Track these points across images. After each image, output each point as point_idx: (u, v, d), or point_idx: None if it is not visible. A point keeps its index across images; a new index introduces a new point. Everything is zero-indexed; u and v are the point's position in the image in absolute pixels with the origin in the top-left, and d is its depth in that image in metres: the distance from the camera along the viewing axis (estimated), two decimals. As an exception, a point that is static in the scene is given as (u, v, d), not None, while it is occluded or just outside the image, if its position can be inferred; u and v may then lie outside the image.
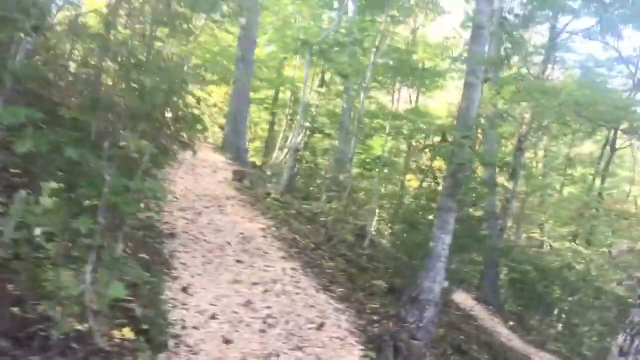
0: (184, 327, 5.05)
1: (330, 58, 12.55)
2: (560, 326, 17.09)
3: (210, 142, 24.01)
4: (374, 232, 12.85)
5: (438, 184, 8.58)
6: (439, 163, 9.57)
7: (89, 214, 3.27)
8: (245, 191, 11.97)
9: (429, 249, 6.33)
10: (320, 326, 5.63)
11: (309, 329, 5.57)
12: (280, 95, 26.15)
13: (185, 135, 5.01)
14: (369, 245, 11.92)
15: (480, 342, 9.98)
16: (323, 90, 23.36)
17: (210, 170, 14.29)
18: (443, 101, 23.89)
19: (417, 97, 22.43)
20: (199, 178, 12.84)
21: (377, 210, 13.23)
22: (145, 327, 4.29)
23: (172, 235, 7.87)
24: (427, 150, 7.17)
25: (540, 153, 23.68)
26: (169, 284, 5.92)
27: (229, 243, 8.15)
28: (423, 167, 9.07)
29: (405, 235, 9.63)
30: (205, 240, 8.08)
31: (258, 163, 22.12)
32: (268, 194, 12.26)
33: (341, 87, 23.65)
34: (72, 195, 3.40)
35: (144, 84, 3.90)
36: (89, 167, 3.34)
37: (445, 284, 6.34)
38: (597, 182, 20.94)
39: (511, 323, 14.61)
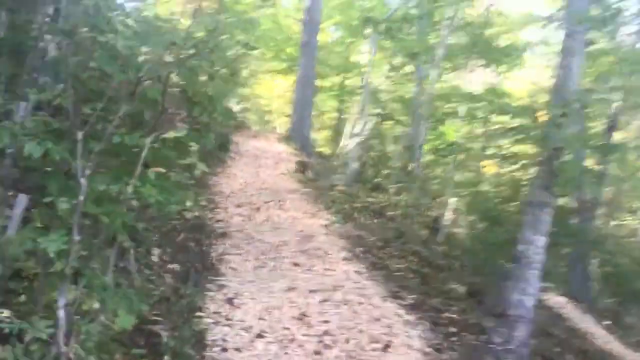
0: (224, 350, 4.26)
1: (398, 36, 11.44)
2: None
3: (277, 132, 23.50)
4: (449, 224, 11.70)
5: (525, 172, 7.39)
6: (523, 147, 8.34)
7: (62, 229, 2.50)
8: (309, 184, 11.15)
9: (516, 252, 5.20)
10: (387, 347, 4.69)
11: (373, 350, 4.65)
12: (348, 81, 25.16)
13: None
14: (444, 239, 10.83)
15: (575, 348, 8.71)
16: (392, 74, 22.24)
17: (273, 161, 13.59)
18: (524, 81, 22.10)
19: (496, 77, 20.81)
20: (260, 170, 12.16)
21: (452, 200, 12.05)
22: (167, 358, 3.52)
23: (224, 235, 7.16)
24: (511, 133, 6.03)
25: (633, 134, 21.45)
26: (212, 294, 5.17)
27: (286, 243, 7.34)
28: (505, 152, 7.90)
29: (484, 232, 8.48)
30: (260, 239, 7.32)
31: (326, 153, 21.31)
32: (333, 186, 11.38)
33: (412, 71, 22.49)
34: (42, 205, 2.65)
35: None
36: (56, 168, 2.57)
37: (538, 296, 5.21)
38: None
39: (606, 322, 13.05)
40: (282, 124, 26.66)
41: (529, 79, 22.49)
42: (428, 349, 4.91)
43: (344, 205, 9.82)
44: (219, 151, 12.66)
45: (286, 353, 4.40)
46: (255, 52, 26.45)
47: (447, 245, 10.40)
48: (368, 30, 11.08)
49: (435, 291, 7.24)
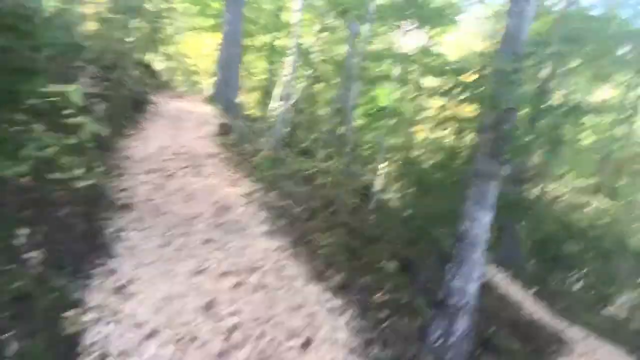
0: (103, 356, 3.39)
1: None
2: (580, 285, 15.54)
3: (204, 94, 22.15)
4: (380, 192, 11.08)
5: (459, 137, 6.75)
6: (458, 110, 7.71)
7: None
8: (232, 148, 10.17)
9: (459, 230, 4.51)
10: (307, 344, 3.95)
11: (290, 348, 3.90)
12: (279, 42, 23.97)
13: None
14: (374, 207, 10.21)
15: (505, 321, 8.37)
16: (323, 34, 21.30)
17: (194, 124, 12.47)
18: (458, 46, 21.71)
19: (429, 41, 20.25)
20: (179, 133, 11.05)
21: (382, 166, 11.41)
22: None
23: (126, 208, 6.16)
24: (454, 92, 5.30)
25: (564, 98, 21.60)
26: (98, 282, 4.23)
27: (199, 215, 6.43)
28: (439, 116, 7.26)
29: (418, 201, 7.86)
30: (169, 212, 6.36)
31: (254, 116, 20.24)
32: (258, 150, 10.46)
33: (345, 33, 21.60)
34: None
35: None
36: None
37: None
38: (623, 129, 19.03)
39: (534, 288, 12.99)
40: (209, 85, 25.24)
41: (463, 45, 22.21)
42: (355, 343, 4.20)
43: (269, 172, 8.95)
44: (132, 111, 11.44)
45: (182, 357, 3.57)
46: (178, 6, 24.83)
47: (378, 214, 9.77)
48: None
49: (365, 268, 6.58)
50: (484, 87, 4.66)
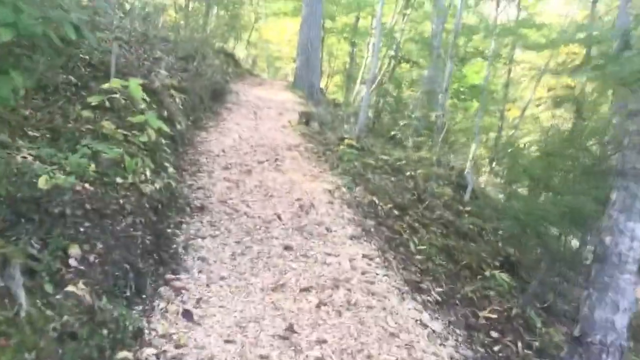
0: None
1: None
2: None
3: (287, 80, 21.71)
4: (475, 180, 10.07)
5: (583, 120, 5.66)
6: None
7: None
8: (314, 137, 9.54)
9: (601, 246, 3.53)
10: (407, 389, 3.22)
11: (387, 395, 3.19)
12: (361, 22, 23.03)
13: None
14: (470, 199, 9.24)
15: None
16: (408, 12, 20.20)
17: (275, 112, 11.95)
18: (553, 15, 19.86)
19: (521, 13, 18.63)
20: (259, 123, 10.55)
21: (475, 151, 10.36)
22: None
23: (202, 210, 5.65)
24: (586, 68, 4.32)
25: None
26: (164, 304, 3.69)
27: (279, 217, 5.82)
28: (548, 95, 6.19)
29: (526, 194, 6.83)
30: (247, 213, 5.80)
31: (338, 101, 19.54)
32: (342, 139, 9.75)
33: (429, 8, 20.33)
34: None
35: None
36: None
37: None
38: None
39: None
40: (292, 71, 24.87)
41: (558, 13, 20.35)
42: (467, 385, 3.41)
43: (354, 163, 8.23)
44: (212, 102, 11.05)
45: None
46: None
47: (474, 206, 8.81)
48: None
49: (465, 273, 5.73)
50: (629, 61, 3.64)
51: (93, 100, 5.23)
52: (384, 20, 21.52)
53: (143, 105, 6.14)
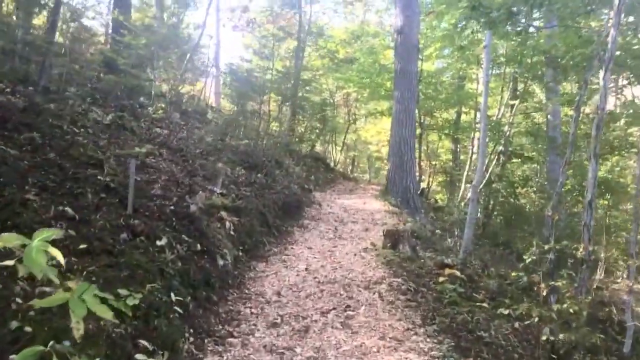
0: None
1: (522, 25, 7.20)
2: None
3: (381, 184, 19.73)
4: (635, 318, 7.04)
5: None
6: None
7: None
8: (403, 266, 7.14)
9: None
10: None
11: None
12: (464, 117, 20.85)
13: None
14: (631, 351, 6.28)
15: None
16: (516, 102, 17.82)
17: (360, 228, 9.76)
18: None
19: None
20: (337, 246, 8.38)
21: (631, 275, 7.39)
22: None
23: None
24: None
25: None
26: None
27: None
28: None
29: None
30: None
31: (441, 204, 17.06)
32: (442, 266, 7.29)
33: (542, 96, 17.82)
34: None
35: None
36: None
37: None
38: None
39: None
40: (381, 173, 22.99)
41: None
42: None
43: (460, 312, 5.69)
44: (282, 219, 9.10)
45: None
46: (351, 91, 23.17)
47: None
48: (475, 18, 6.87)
49: None
50: None
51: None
52: (490, 112, 19.22)
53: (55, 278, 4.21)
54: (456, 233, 10.21)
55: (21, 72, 8.49)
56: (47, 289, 3.49)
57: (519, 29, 7.62)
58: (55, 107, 7.64)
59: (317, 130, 20.01)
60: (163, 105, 12.23)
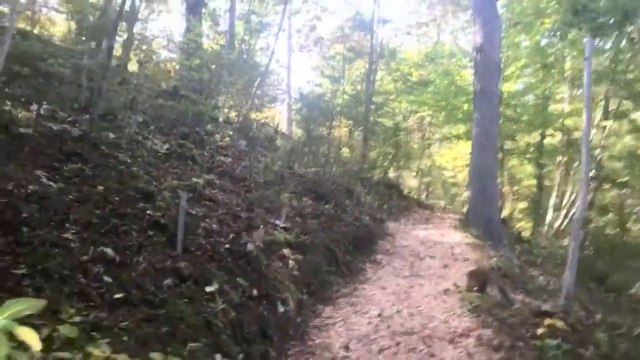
0: None
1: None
2: None
3: (460, 213, 18.48)
4: None
5: None
6: None
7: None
8: (492, 314, 6.06)
9: None
10: None
11: None
12: (548, 140, 19.28)
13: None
14: None
15: None
16: (609, 123, 16.23)
17: (439, 264, 8.73)
18: None
19: None
20: (414, 285, 7.41)
21: None
22: None
23: None
24: None
25: None
26: None
27: None
28: None
29: None
30: None
31: (525, 235, 15.60)
32: (539, 313, 6.16)
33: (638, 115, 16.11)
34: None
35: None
36: None
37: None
38: None
39: None
40: (466, 201, 21.58)
41: None
42: None
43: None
44: (352, 255, 8.25)
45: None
46: (426, 114, 22.10)
47: None
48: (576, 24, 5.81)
49: None
50: None
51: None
52: (577, 135, 17.60)
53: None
54: (551, 270, 8.97)
55: (84, 101, 8.20)
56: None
57: (632, 37, 6.49)
58: (112, 136, 7.24)
59: (390, 156, 19.05)
60: (230, 133, 11.80)
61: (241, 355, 4.21)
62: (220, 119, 11.88)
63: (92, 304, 3.76)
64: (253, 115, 14.33)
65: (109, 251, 4.37)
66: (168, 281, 4.41)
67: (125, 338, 3.51)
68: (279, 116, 19.04)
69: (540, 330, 5.67)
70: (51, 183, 5.06)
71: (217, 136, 10.94)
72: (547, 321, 5.87)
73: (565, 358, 5.02)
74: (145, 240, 4.84)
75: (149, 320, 3.82)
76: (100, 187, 5.44)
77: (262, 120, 15.87)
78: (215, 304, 4.45)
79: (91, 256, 4.23)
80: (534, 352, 5.18)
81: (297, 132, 20.32)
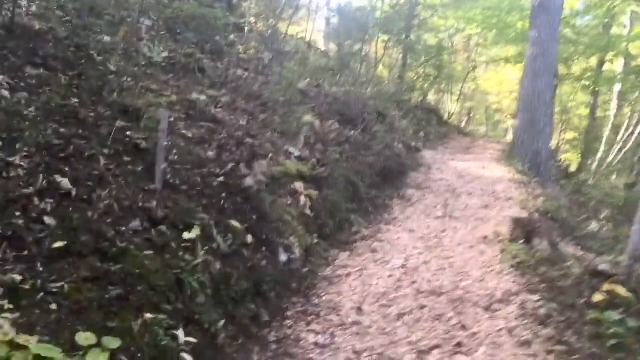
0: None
1: None
2: None
3: (503, 142, 17.02)
4: None
5: None
6: None
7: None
8: (539, 273, 4.97)
9: None
10: None
11: None
12: (607, 66, 17.23)
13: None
14: None
15: None
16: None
17: (479, 203, 7.58)
18: None
19: None
20: (448, 229, 6.34)
21: None
22: None
23: None
24: None
25: None
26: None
27: None
28: None
29: None
30: None
31: (572, 169, 14.19)
32: (595, 273, 5.05)
33: None
34: None
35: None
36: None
37: None
38: None
39: None
40: (512, 129, 19.95)
41: None
42: None
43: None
44: (379, 188, 7.18)
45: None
46: (473, 33, 20.09)
47: None
48: None
49: None
50: None
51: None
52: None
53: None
54: (603, 215, 7.75)
55: None
56: None
57: None
58: (107, 39, 6.15)
59: (431, 78, 17.42)
60: (255, 44, 10.54)
61: (221, 323, 3.29)
62: (247, 29, 10.62)
63: (24, 253, 2.85)
64: (284, 27, 12.96)
65: (65, 182, 3.41)
66: (135, 224, 3.45)
67: (52, 306, 2.60)
68: (313, 31, 17.52)
69: (597, 297, 4.57)
70: (9, 93, 4.05)
71: (240, 47, 9.72)
72: (606, 286, 4.75)
73: (631, 340, 3.95)
74: (116, 169, 3.85)
75: (95, 279, 2.89)
76: (75, 100, 4.43)
77: (297, 35, 14.48)
78: (194, 255, 3.50)
79: (40, 187, 3.28)
80: (590, 327, 4.11)
81: (334, 48, 18.81)
